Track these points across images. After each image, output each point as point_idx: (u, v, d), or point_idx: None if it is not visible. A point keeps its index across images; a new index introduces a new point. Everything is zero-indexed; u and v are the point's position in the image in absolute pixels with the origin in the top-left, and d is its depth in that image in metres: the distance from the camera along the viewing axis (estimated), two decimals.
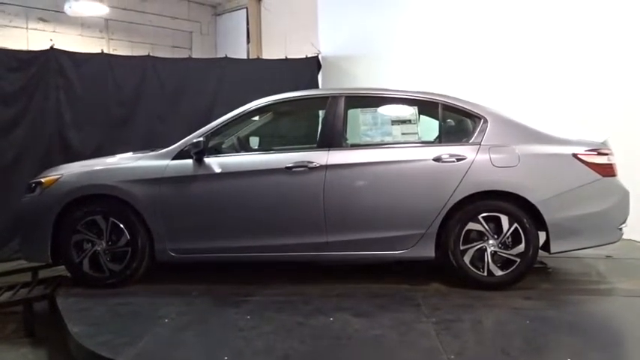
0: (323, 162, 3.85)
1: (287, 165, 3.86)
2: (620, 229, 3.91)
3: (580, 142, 3.94)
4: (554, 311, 3.36)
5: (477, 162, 3.81)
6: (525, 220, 3.74)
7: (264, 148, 4.43)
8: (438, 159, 3.83)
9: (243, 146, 4.31)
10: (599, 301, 3.67)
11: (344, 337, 2.93)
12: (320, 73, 8.16)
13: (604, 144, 3.96)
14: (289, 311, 3.37)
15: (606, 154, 3.90)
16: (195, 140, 3.90)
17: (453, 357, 2.63)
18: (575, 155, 3.83)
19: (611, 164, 3.89)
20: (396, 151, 3.94)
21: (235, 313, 3.33)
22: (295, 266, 4.31)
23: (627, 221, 3.91)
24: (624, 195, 3.90)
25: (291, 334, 2.99)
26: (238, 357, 2.69)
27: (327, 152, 3.90)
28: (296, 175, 3.85)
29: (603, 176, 3.82)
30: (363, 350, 2.78)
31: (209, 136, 3.99)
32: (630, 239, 4.11)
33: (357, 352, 2.76)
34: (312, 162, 3.85)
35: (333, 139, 3.97)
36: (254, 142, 4.49)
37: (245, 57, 9.54)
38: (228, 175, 3.92)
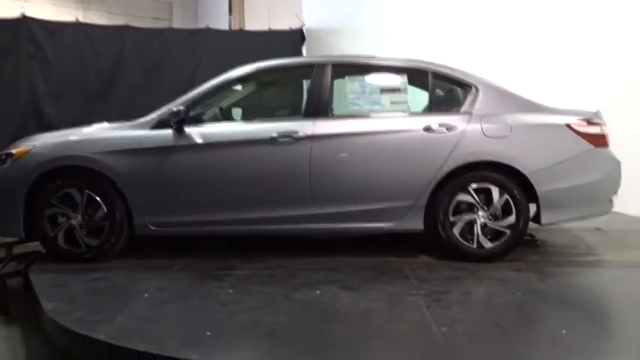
0: (309, 132, 3.70)
1: (271, 135, 3.71)
2: (611, 200, 3.85)
3: (573, 111, 3.85)
4: (544, 283, 3.30)
5: (468, 132, 3.69)
6: (516, 192, 3.65)
7: (247, 118, 4.26)
8: (428, 129, 3.71)
9: (226, 116, 4.14)
10: (588, 273, 3.62)
11: (331, 311, 2.83)
12: (304, 45, 7.96)
13: (596, 114, 3.87)
14: (275, 285, 3.25)
15: (599, 124, 3.81)
16: (175, 109, 3.72)
17: (444, 329, 2.54)
18: (567, 125, 3.73)
19: (603, 134, 3.81)
20: (384, 120, 3.81)
21: (218, 288, 3.20)
22: (281, 239, 4.19)
23: (617, 193, 3.85)
24: (616, 166, 3.83)
25: (276, 308, 2.88)
26: (221, 333, 2.57)
27: (313, 122, 3.75)
28: (281, 146, 3.71)
29: (595, 147, 3.74)
30: (351, 324, 2.68)
31: (190, 104, 3.81)
32: (618, 212, 4.05)
33: (346, 326, 2.66)
34: (298, 132, 3.70)
35: (320, 108, 3.82)
36: (237, 113, 4.31)
37: (227, 28, 9.28)
38: (209, 145, 3.75)
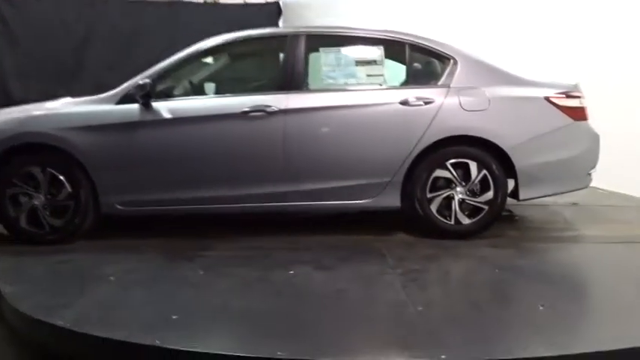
0: (282, 106, 3.56)
1: (243, 109, 3.55)
2: (590, 174, 3.80)
3: (552, 84, 3.76)
4: (523, 260, 3.25)
5: (446, 105, 3.59)
6: (494, 167, 3.58)
7: (219, 92, 4.09)
8: (404, 102, 3.59)
9: (196, 90, 3.96)
10: (566, 249, 3.58)
11: (305, 293, 2.73)
12: (281, 19, 7.72)
13: (576, 87, 3.79)
14: (248, 266, 3.14)
15: (578, 97, 3.74)
16: (140, 82, 3.54)
17: (420, 309, 2.47)
18: (547, 98, 3.65)
19: (582, 107, 3.74)
20: (360, 94, 3.68)
21: (189, 269, 3.08)
22: (255, 218, 4.07)
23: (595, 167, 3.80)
24: (595, 140, 3.77)
25: (248, 290, 2.77)
26: (189, 316, 2.46)
27: (286, 96, 3.60)
28: (253, 121, 3.56)
29: (575, 120, 3.67)
30: (326, 306, 2.58)
31: (157, 78, 3.62)
32: (594, 187, 4.02)
33: (320, 308, 2.56)
34: (271, 106, 3.55)
35: (293, 81, 3.67)
36: (209, 87, 4.13)
37: (202, 1, 8.97)
38: (178, 120, 3.59)
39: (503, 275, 2.97)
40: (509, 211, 4.32)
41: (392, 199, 3.64)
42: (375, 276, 2.95)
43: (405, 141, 3.57)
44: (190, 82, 3.94)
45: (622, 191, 5.04)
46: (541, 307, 2.46)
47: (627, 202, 4.85)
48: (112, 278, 2.95)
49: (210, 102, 3.75)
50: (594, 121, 3.80)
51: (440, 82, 3.68)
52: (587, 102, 3.78)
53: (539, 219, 4.24)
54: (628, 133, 4.97)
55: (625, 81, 5.18)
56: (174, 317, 2.41)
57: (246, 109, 3.55)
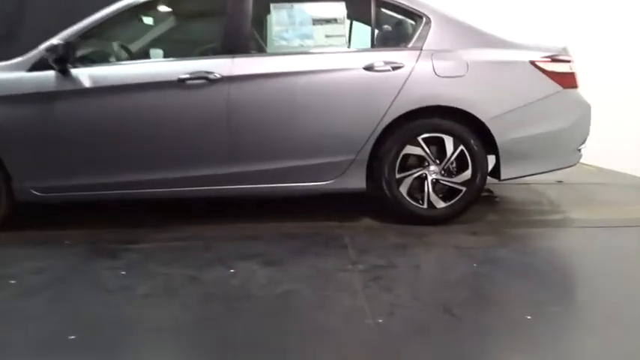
0: (226, 72, 3.02)
1: (180, 77, 3.01)
2: (580, 150, 3.35)
3: (538, 47, 3.27)
4: (505, 249, 2.81)
5: (418, 71, 3.09)
6: (473, 142, 3.10)
7: (152, 56, 3.51)
8: (369, 67, 3.08)
9: (126, 55, 3.39)
10: (553, 235, 3.16)
11: (242, 298, 2.24)
12: None
13: (564, 50, 3.32)
14: (181, 262, 2.64)
15: (567, 62, 3.27)
16: (55, 42, 2.95)
17: (380, 320, 2.00)
18: (532, 62, 3.17)
19: (572, 73, 3.27)
20: (317, 57, 3.15)
21: (108, 268, 2.57)
22: (202, 203, 3.56)
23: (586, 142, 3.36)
24: (586, 110, 3.31)
25: (173, 295, 2.27)
26: (91, 336, 1.95)
27: (231, 60, 3.06)
28: (192, 90, 3.02)
29: (564, 88, 3.20)
30: (264, 314, 2.10)
31: (76, 39, 3.04)
32: (580, 162, 3.59)
33: (257, 317, 2.08)
34: (212, 72, 3.01)
35: (239, 43, 3.12)
36: (140, 51, 3.55)
37: None
38: (102, 90, 3.03)
39: (482, 270, 2.52)
40: (489, 191, 3.88)
41: (356, 180, 3.15)
42: (332, 274, 2.48)
43: (370, 112, 3.07)
44: (119, 46, 3.37)
45: (610, 167, 4.64)
46: (528, 317, 2.01)
47: (616, 180, 4.46)
48: (12, 281, 2.43)
49: (140, 68, 3.17)
50: (584, 89, 3.35)
51: (410, 45, 3.17)
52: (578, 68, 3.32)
53: (521, 200, 3.81)
54: (617, 103, 4.55)
55: (617, 46, 4.74)
56: (71, 338, 1.91)
57: (184, 77, 3.01)
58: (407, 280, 2.43)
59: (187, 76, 3.01)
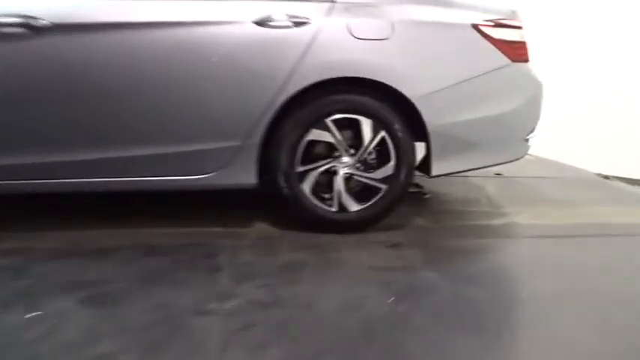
0: (57, 19, 2.12)
1: None
2: (528, 140, 2.71)
3: (483, 7, 2.56)
4: (433, 273, 2.10)
5: (328, 30, 2.31)
6: (397, 126, 2.38)
7: None
8: (262, 22, 2.26)
9: None
10: (495, 248, 2.49)
11: None
12: None
13: (514, 13, 2.63)
14: None
15: (518, 28, 2.59)
16: None
17: None
18: (475, 26, 2.46)
19: (523, 43, 2.59)
20: (190, 5, 2.29)
21: None
22: (34, 202, 2.66)
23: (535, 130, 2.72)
24: (538, 90, 2.66)
25: None
26: None
27: (65, 3, 2.17)
28: (8, 42, 2.11)
29: (512, 61, 2.53)
30: None
31: None
32: None
33: None
34: (37, 18, 2.10)
35: None
36: None
37: None
38: None
39: (399, 309, 1.80)
40: (417, 185, 3.19)
41: (244, 174, 2.35)
42: (182, 320, 1.67)
43: (261, 84, 2.27)
44: None
45: (552, 157, 4.09)
46: None
47: (560, 173, 3.91)
48: None
49: None
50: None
51: None
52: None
53: (454, 198, 3.16)
54: (570, 83, 3.97)
55: (569, 11, 4.15)
56: None
57: None
58: (291, 331, 1.66)
59: (2, 20, 2.09)
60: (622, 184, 3.79)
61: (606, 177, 3.91)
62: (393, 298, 1.86)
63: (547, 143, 3.53)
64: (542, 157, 4.02)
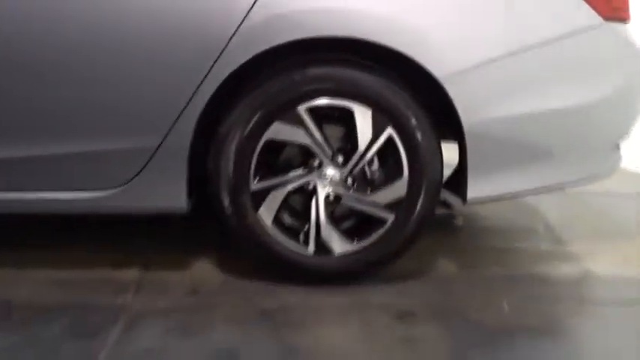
0: None
1: None
2: (618, 146, 1.75)
3: None
4: None
5: None
6: (414, 122, 1.47)
7: None
8: None
9: None
10: (562, 329, 1.54)
11: None
12: None
13: None
14: None
15: None
16: None
17: None
18: None
19: None
20: None
21: None
22: None
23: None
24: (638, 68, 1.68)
25: None
26: None
27: None
28: None
29: (605, 19, 1.56)
30: None
31: None
32: None
33: None
34: None
35: None
36: None
37: None
38: None
39: None
40: (443, 203, 2.25)
41: (163, 192, 1.48)
42: None
43: (190, 49, 1.39)
44: None
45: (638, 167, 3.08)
46: None
47: None
48: None
49: None
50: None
51: None
52: None
53: (498, 226, 2.20)
54: None
55: None
56: None
57: None
58: None
59: None
60: None
61: None
62: None
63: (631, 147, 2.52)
64: (623, 165, 3.01)
